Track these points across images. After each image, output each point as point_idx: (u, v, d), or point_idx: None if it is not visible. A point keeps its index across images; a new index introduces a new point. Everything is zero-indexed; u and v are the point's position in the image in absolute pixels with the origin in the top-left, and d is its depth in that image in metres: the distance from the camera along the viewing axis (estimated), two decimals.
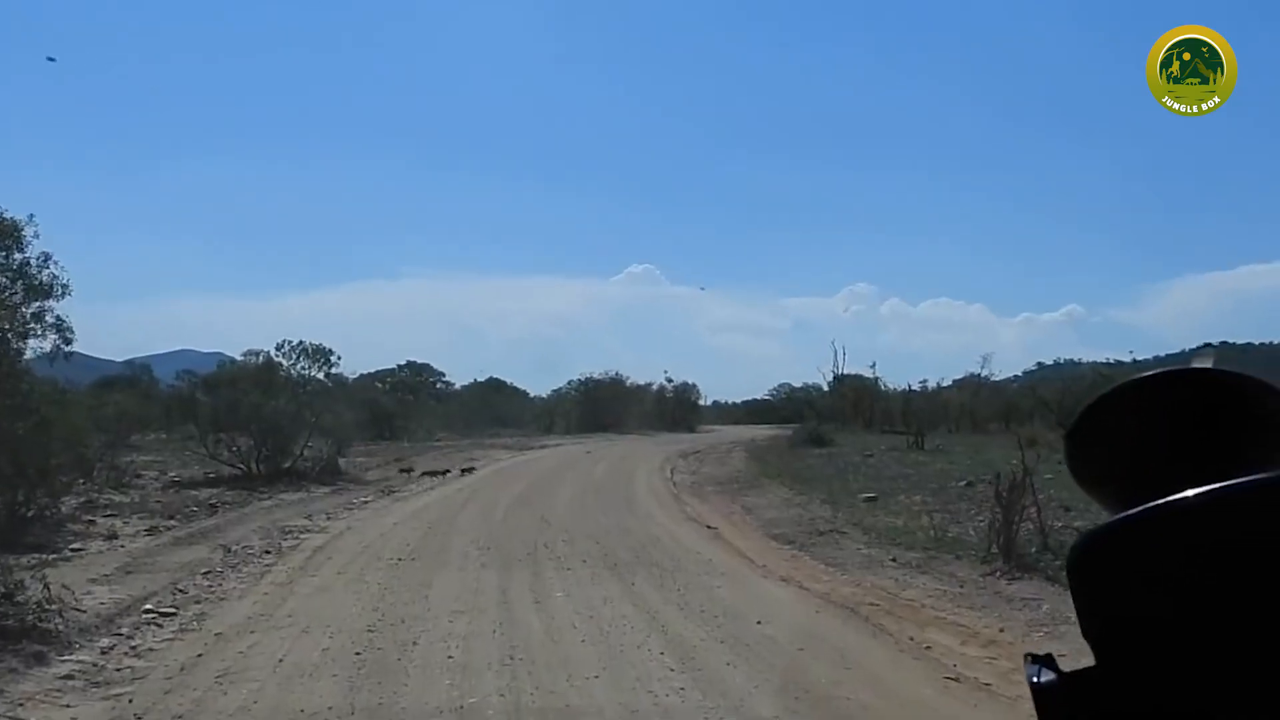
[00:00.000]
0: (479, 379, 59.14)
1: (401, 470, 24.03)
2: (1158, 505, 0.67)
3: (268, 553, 12.61)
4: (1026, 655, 0.73)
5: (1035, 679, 0.72)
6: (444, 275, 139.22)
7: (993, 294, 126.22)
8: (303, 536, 14.01)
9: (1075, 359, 55.08)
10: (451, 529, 14.74)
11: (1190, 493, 0.66)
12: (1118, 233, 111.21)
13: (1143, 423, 0.85)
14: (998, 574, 10.57)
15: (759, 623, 8.68)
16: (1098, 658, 0.69)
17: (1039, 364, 59.05)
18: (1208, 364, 0.85)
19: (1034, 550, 11.12)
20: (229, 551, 12.55)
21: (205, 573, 11.13)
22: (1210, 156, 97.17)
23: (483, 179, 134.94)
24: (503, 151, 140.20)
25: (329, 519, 15.92)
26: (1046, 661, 0.73)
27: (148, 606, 9.35)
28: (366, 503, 18.31)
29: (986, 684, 7.03)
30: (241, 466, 21.50)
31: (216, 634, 8.45)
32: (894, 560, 11.70)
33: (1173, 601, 0.66)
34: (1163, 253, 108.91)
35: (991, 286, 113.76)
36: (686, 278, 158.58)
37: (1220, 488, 0.66)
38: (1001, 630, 8.52)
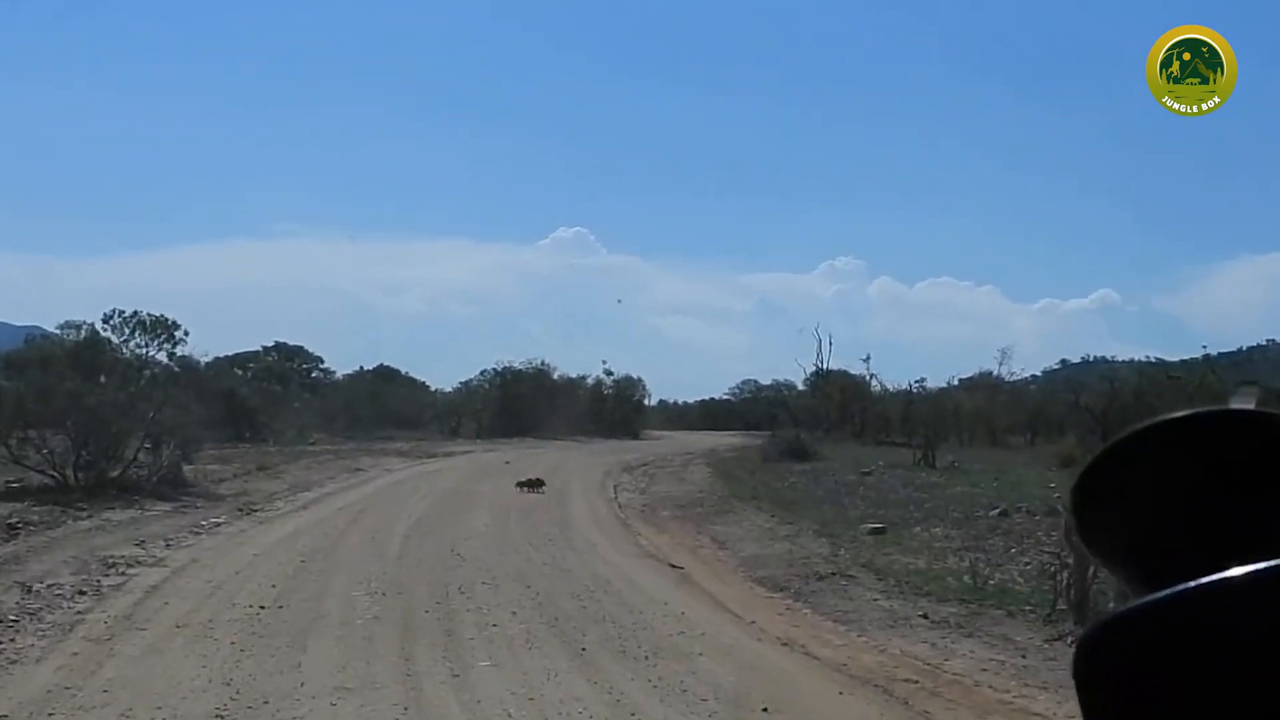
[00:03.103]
0: (366, 367, 59.46)
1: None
2: (1192, 587, 0.66)
3: (82, 594, 12.18)
4: None
5: None
6: (324, 235, 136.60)
7: (1006, 274, 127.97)
8: (132, 572, 13.57)
9: (1108, 356, 55.90)
10: (331, 564, 14.40)
11: (1236, 571, 0.66)
12: (1159, 204, 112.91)
13: (1170, 477, 0.83)
14: (1069, 639, 10.28)
15: (765, 710, 8.21)
16: None
17: (1063, 361, 60.25)
18: (1250, 404, 0.84)
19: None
20: (29, 592, 12.12)
21: None
22: (1271, 114, 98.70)
23: (376, 118, 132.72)
24: (400, 87, 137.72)
25: (168, 547, 15.54)
26: None
27: None
28: (219, 525, 17.95)
29: None
30: (54, 474, 20.94)
31: (0, 717, 7.96)
32: (925, 617, 11.56)
33: (1212, 712, 0.65)
34: (1216, 228, 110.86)
35: (1004, 265, 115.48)
36: (628, 244, 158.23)
37: (1274, 566, 0.65)
38: None
